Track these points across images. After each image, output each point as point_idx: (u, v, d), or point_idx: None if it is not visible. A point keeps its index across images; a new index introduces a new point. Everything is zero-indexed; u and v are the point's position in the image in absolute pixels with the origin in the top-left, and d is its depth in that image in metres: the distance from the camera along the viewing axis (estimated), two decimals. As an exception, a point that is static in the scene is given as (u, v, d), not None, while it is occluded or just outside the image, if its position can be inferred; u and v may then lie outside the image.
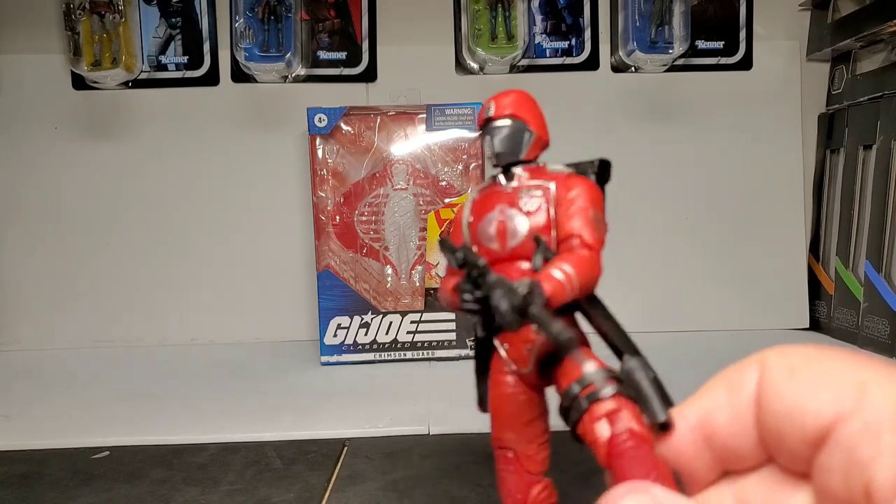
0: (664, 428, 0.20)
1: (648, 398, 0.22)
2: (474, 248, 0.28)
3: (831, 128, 0.84)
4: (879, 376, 0.17)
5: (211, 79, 0.83)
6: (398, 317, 0.73)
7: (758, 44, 0.84)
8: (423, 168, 0.73)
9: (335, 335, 0.73)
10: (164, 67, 0.83)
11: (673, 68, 0.83)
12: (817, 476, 0.18)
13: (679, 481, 0.21)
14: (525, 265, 0.27)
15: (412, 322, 0.73)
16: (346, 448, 0.51)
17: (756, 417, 0.19)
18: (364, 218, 0.73)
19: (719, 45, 0.84)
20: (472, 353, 0.25)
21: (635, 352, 0.24)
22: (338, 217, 0.73)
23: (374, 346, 0.73)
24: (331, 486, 0.45)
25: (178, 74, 0.83)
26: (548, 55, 0.83)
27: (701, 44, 0.83)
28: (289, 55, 0.79)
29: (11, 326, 0.83)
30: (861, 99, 0.79)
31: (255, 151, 0.84)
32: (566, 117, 0.82)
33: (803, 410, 0.18)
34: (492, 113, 0.30)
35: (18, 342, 0.83)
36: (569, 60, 0.83)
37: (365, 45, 0.83)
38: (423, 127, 0.73)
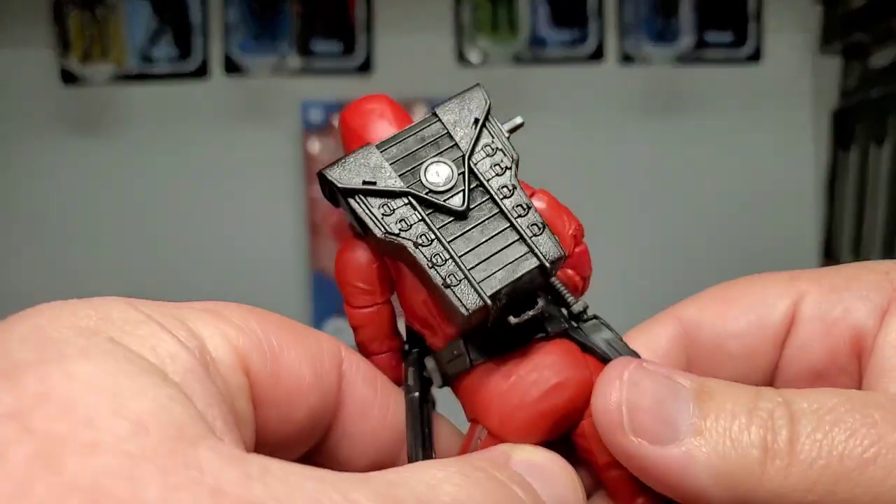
0: None
1: None
2: None
3: (843, 123, 0.83)
4: (802, 270, 0.20)
5: (202, 72, 0.81)
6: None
7: (768, 36, 0.82)
8: (421, 164, 0.72)
9: (330, 337, 0.72)
10: (154, 61, 0.81)
11: (680, 61, 0.81)
12: (786, 370, 0.19)
13: None
14: None
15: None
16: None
17: (683, 368, 0.19)
18: (360, 216, 0.72)
19: (728, 37, 0.82)
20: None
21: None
22: (333, 215, 0.72)
23: (371, 349, 0.72)
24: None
25: (169, 68, 0.81)
26: (552, 46, 0.81)
27: (709, 36, 0.81)
28: (282, 46, 0.77)
29: None
30: (874, 94, 0.77)
31: (247, 147, 0.82)
32: (570, 109, 0.81)
33: (761, 317, 0.19)
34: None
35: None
36: (573, 52, 0.82)
37: (362, 36, 0.81)
38: (421, 121, 0.71)
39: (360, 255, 0.19)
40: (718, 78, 0.83)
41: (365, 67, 0.81)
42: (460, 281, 0.17)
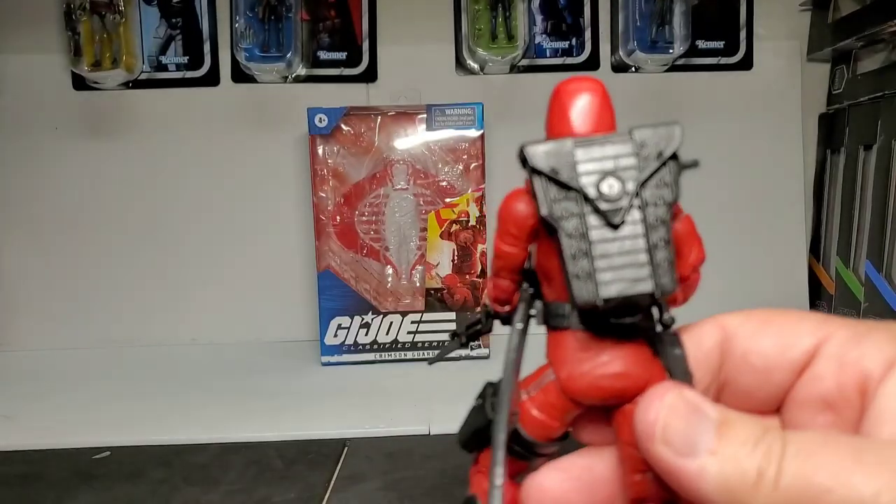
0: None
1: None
2: None
3: (832, 128, 0.84)
4: (833, 316, 0.22)
5: (211, 79, 0.83)
6: (399, 317, 0.73)
7: (758, 44, 0.84)
8: (423, 168, 0.73)
9: (335, 335, 0.73)
10: (164, 68, 0.83)
11: (673, 68, 0.83)
12: (800, 394, 0.22)
13: None
14: None
15: (413, 322, 0.73)
16: (346, 448, 0.51)
17: (715, 369, 0.23)
18: (364, 218, 0.73)
19: (720, 45, 0.83)
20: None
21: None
22: (338, 217, 0.73)
23: (375, 347, 0.73)
24: (331, 486, 0.45)
25: (179, 75, 0.83)
26: (548, 55, 0.83)
27: (701, 44, 0.83)
28: (289, 55, 0.79)
29: (12, 327, 0.83)
30: (861, 99, 0.79)
31: (255, 151, 0.83)
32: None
33: (787, 345, 0.22)
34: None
35: (19, 342, 0.83)
36: (569, 60, 0.83)
37: (365, 45, 0.83)
38: (423, 127, 0.73)
39: (524, 207, 0.22)
40: (710, 85, 0.84)
41: (369, 75, 0.83)
42: (588, 277, 0.20)
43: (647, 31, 0.79)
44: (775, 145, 0.85)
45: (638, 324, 0.22)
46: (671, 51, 0.79)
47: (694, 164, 0.22)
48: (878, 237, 0.73)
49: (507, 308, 0.25)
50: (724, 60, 0.84)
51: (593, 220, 0.21)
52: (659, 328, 0.22)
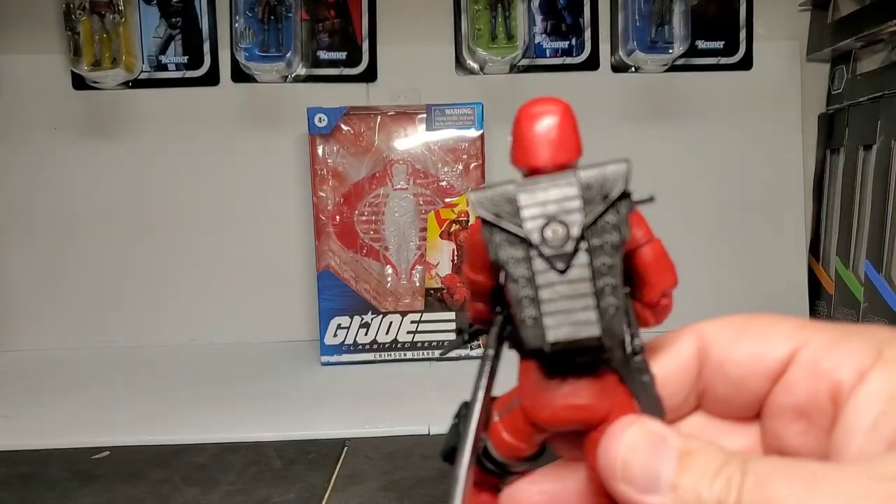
0: None
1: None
2: None
3: (831, 128, 0.84)
4: (812, 321, 0.22)
5: (211, 79, 0.83)
6: (398, 317, 0.73)
7: (758, 44, 0.84)
8: (423, 168, 0.73)
9: (335, 335, 0.73)
10: (164, 67, 0.83)
11: (673, 68, 0.83)
12: (775, 402, 0.22)
13: None
14: None
15: (412, 322, 0.73)
16: (346, 448, 0.51)
17: (694, 377, 0.23)
18: (364, 218, 0.73)
19: (719, 45, 0.84)
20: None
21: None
22: (338, 217, 0.73)
23: (375, 346, 0.73)
24: (331, 486, 0.45)
25: (179, 74, 0.83)
26: (548, 55, 0.83)
27: (701, 44, 0.83)
28: (289, 55, 0.79)
29: (11, 326, 0.83)
30: (861, 99, 0.79)
31: (255, 151, 0.84)
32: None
33: (762, 353, 0.22)
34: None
35: (18, 342, 0.83)
36: (569, 60, 0.83)
37: (365, 45, 0.83)
38: (423, 127, 0.73)
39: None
40: (710, 85, 0.84)
41: (369, 75, 0.83)
42: (534, 322, 0.20)
43: (646, 31, 0.79)
44: (775, 145, 0.85)
45: (602, 357, 0.22)
46: (671, 51, 0.79)
47: (649, 200, 0.22)
48: (877, 237, 0.73)
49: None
50: (723, 60, 0.84)
51: (539, 264, 0.21)
52: (630, 352, 0.22)
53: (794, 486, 0.17)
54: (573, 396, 0.22)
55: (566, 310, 0.20)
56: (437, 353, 0.73)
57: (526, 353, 0.23)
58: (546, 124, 0.22)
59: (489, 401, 0.24)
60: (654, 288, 0.23)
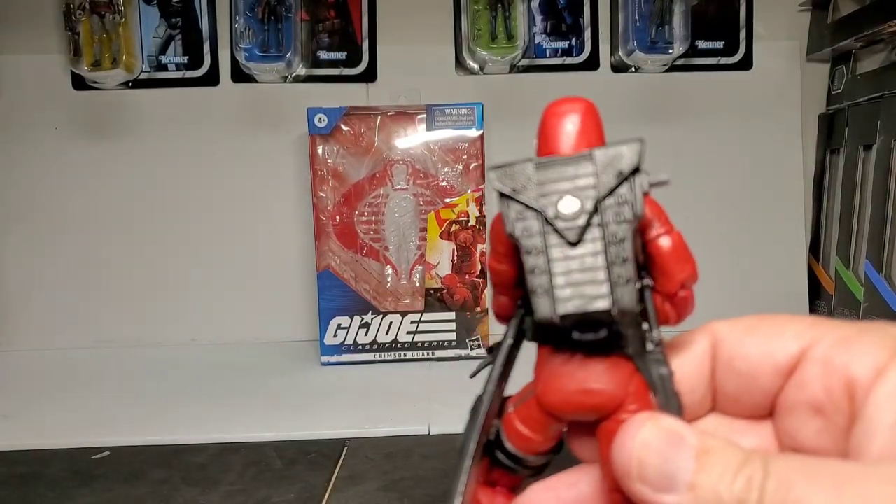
0: None
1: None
2: None
3: (831, 128, 0.84)
4: (823, 319, 0.22)
5: (211, 79, 0.83)
6: (398, 317, 0.73)
7: (758, 44, 0.84)
8: (423, 168, 0.73)
9: (335, 335, 0.73)
10: (164, 67, 0.83)
11: (673, 68, 0.83)
12: (788, 399, 0.22)
13: None
14: None
15: (412, 322, 0.73)
16: (346, 448, 0.51)
17: (708, 376, 0.23)
18: (364, 218, 0.73)
19: (719, 45, 0.84)
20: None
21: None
22: (338, 217, 0.73)
23: (374, 347, 0.73)
24: (331, 486, 0.45)
25: (179, 74, 0.83)
26: (548, 55, 0.83)
27: (701, 44, 0.83)
28: (289, 55, 0.79)
29: (11, 326, 0.83)
30: (861, 99, 0.79)
31: (255, 151, 0.84)
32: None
33: (772, 348, 0.22)
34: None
35: (19, 342, 0.83)
36: (569, 60, 0.83)
37: (365, 45, 0.83)
38: (423, 127, 0.73)
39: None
40: (710, 85, 0.84)
41: (369, 75, 0.83)
42: (546, 293, 0.21)
43: (646, 31, 0.79)
44: (775, 145, 0.85)
45: (618, 341, 0.22)
46: (671, 51, 0.79)
47: (665, 182, 0.22)
48: (877, 237, 0.73)
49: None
50: (723, 60, 0.84)
51: (553, 238, 0.21)
52: (650, 346, 0.22)
53: (820, 489, 0.17)
54: (585, 381, 0.22)
55: (578, 282, 0.21)
56: (436, 354, 0.73)
57: (541, 335, 0.23)
58: (570, 120, 0.22)
59: (501, 391, 0.24)
60: (671, 278, 0.23)
